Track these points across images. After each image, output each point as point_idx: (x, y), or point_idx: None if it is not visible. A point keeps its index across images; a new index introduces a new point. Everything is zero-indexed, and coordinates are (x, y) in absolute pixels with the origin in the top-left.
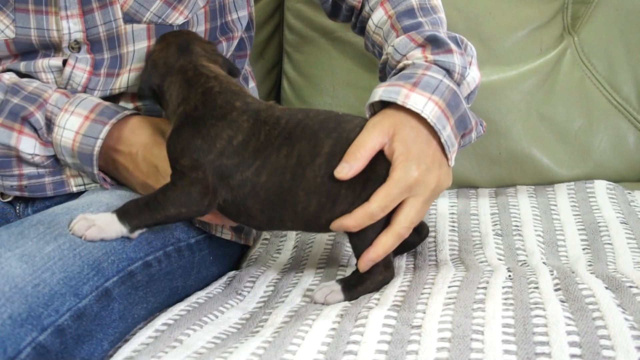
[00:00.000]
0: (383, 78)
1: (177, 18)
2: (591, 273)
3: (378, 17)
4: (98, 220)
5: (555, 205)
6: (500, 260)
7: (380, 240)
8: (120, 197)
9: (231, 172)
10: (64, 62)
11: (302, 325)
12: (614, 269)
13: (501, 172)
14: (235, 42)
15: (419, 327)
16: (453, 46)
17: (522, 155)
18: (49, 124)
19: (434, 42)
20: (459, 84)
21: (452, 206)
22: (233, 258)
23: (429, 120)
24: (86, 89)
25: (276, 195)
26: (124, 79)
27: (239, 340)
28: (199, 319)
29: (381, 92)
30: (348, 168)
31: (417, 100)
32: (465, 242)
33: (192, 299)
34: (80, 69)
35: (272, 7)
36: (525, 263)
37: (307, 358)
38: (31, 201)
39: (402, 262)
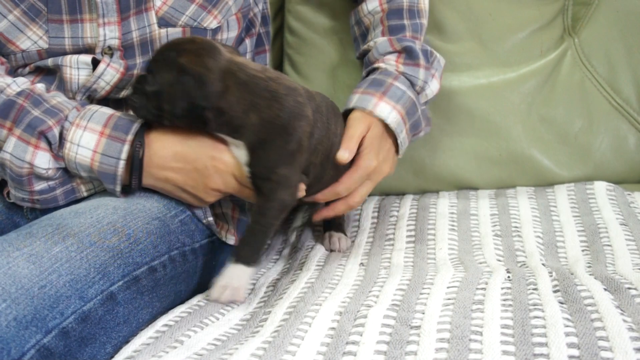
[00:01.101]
0: (359, 58)
1: (211, 22)
2: (590, 274)
3: (373, 6)
4: (230, 281)
5: (555, 207)
6: (499, 261)
7: (336, 205)
8: (126, 200)
9: (310, 166)
10: (93, 60)
11: (301, 324)
12: (613, 271)
13: (501, 173)
14: (255, 38)
15: (418, 327)
16: (422, 60)
17: (522, 157)
18: (61, 140)
19: (408, 53)
20: (418, 94)
21: (451, 206)
22: None
23: (391, 126)
24: (115, 88)
25: (318, 178)
26: None
27: (239, 341)
28: (200, 320)
29: (356, 99)
30: (348, 154)
31: (384, 109)
32: (464, 243)
33: (194, 301)
34: (114, 68)
35: (273, 9)
36: (524, 264)
37: (306, 358)
38: None
39: (400, 260)
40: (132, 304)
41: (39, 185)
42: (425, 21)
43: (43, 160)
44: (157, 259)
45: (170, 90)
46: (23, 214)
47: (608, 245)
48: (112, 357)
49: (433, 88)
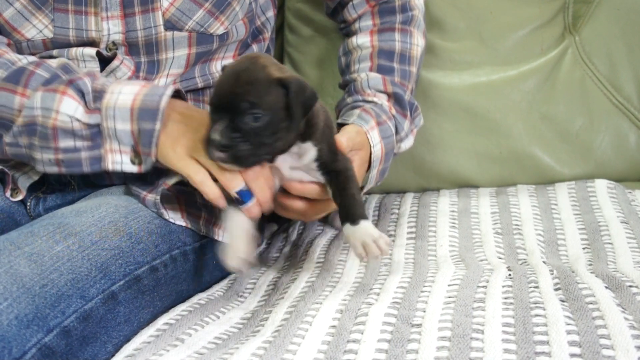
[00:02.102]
0: (341, 86)
1: (217, 28)
2: (591, 272)
3: (363, 40)
4: (372, 233)
5: (556, 205)
6: (500, 259)
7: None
8: (127, 199)
9: None
10: (97, 53)
11: (302, 323)
12: (614, 269)
13: (502, 171)
14: (266, 44)
15: (419, 325)
16: (408, 113)
17: (523, 155)
18: (98, 94)
19: (397, 101)
20: (396, 143)
21: (452, 204)
22: None
23: (373, 156)
24: None
25: None
26: (160, 83)
27: (240, 341)
28: (201, 319)
29: (356, 116)
30: (344, 140)
31: (375, 137)
32: (465, 240)
33: (194, 300)
34: (126, 65)
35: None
36: (525, 262)
37: (307, 357)
38: (42, 198)
39: (401, 258)
40: (133, 304)
41: (64, 142)
42: (414, 69)
43: (69, 106)
44: (158, 258)
45: (282, 106)
46: (24, 212)
47: (609, 243)
48: (113, 355)
49: (407, 144)
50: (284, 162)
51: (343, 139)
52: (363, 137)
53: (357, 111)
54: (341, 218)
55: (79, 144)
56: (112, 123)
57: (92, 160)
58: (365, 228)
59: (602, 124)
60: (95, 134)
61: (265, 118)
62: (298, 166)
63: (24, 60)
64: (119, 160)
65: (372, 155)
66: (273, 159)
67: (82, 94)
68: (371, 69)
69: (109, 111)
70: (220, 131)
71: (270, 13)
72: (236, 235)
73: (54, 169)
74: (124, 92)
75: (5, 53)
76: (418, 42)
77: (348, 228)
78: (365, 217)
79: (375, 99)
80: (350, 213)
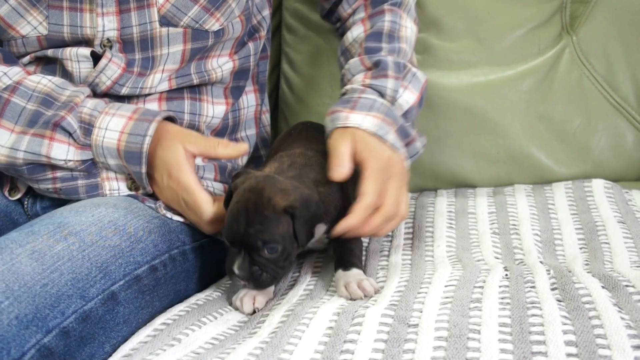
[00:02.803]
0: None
1: (213, 24)
2: (588, 272)
3: (357, 32)
4: (359, 277)
5: (553, 204)
6: (497, 259)
7: (372, 220)
8: (126, 198)
9: None
10: (92, 53)
11: (299, 325)
12: (610, 268)
13: (499, 171)
14: (262, 42)
15: (415, 325)
16: (391, 71)
17: (520, 155)
18: (87, 126)
19: (377, 66)
20: (392, 104)
21: (449, 205)
22: None
23: (369, 130)
24: (115, 84)
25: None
26: (156, 79)
27: (237, 341)
28: (198, 319)
29: (327, 122)
30: (341, 168)
31: (355, 118)
32: (462, 241)
33: (192, 300)
34: (115, 63)
35: (272, 7)
36: (522, 262)
37: (304, 357)
38: (40, 197)
39: (398, 259)
40: (132, 304)
41: (60, 173)
42: (405, 46)
43: (60, 152)
44: (157, 257)
45: (290, 231)
46: (22, 211)
47: (606, 243)
48: (110, 356)
49: (407, 98)
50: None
51: (340, 149)
52: (348, 131)
53: (327, 119)
54: (335, 266)
55: (75, 174)
56: (103, 159)
57: (89, 188)
58: (354, 273)
59: (600, 124)
60: (90, 166)
61: (279, 247)
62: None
63: (2, 79)
64: (116, 187)
65: (368, 130)
66: None
67: (69, 134)
68: (360, 55)
69: (98, 149)
70: (239, 265)
71: (266, 12)
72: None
73: (53, 195)
74: (111, 127)
75: None
76: (407, 24)
77: (338, 273)
78: (358, 267)
79: (348, 87)
80: (344, 260)
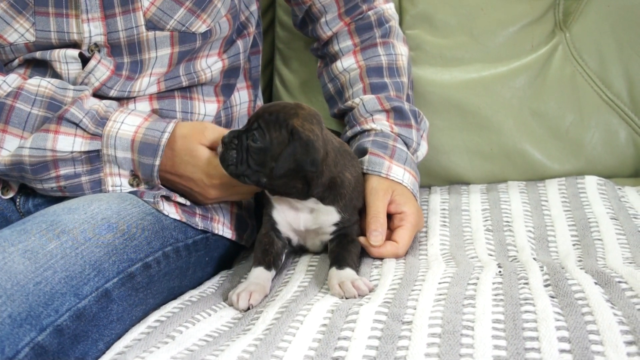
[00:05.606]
0: (337, 116)
1: (200, 26)
2: (581, 268)
3: (348, 63)
4: (352, 276)
5: (546, 201)
6: (490, 255)
7: (384, 251)
8: (119, 195)
9: None
10: (80, 55)
11: (293, 322)
12: (603, 265)
13: (493, 168)
14: (251, 39)
15: (409, 322)
16: (412, 121)
17: (513, 151)
18: (101, 119)
19: (397, 114)
20: (413, 155)
21: (443, 202)
22: (228, 259)
23: (408, 188)
24: (103, 86)
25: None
26: (144, 82)
27: (231, 338)
28: (192, 316)
29: (367, 161)
30: (380, 235)
31: (397, 172)
32: (456, 238)
33: (186, 297)
34: (104, 65)
35: (264, 3)
36: (515, 259)
37: (298, 354)
38: (32, 195)
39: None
40: (126, 301)
41: (64, 170)
42: (405, 79)
43: (66, 144)
44: (151, 255)
45: (279, 150)
46: (14, 208)
47: (599, 239)
48: (104, 353)
49: (423, 150)
50: (297, 219)
51: (379, 204)
52: (387, 183)
53: (366, 157)
54: (330, 263)
55: (78, 170)
56: (112, 151)
57: (93, 184)
58: (348, 273)
59: (592, 121)
60: (94, 158)
61: (260, 145)
62: (313, 228)
63: (2, 87)
64: (119, 183)
65: (408, 187)
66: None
67: (75, 125)
68: (364, 91)
69: (110, 140)
70: (230, 133)
71: (254, 7)
72: (254, 283)
73: (57, 194)
74: (127, 122)
75: None
76: (401, 51)
77: (332, 271)
78: (352, 268)
79: (374, 125)
80: (339, 258)
